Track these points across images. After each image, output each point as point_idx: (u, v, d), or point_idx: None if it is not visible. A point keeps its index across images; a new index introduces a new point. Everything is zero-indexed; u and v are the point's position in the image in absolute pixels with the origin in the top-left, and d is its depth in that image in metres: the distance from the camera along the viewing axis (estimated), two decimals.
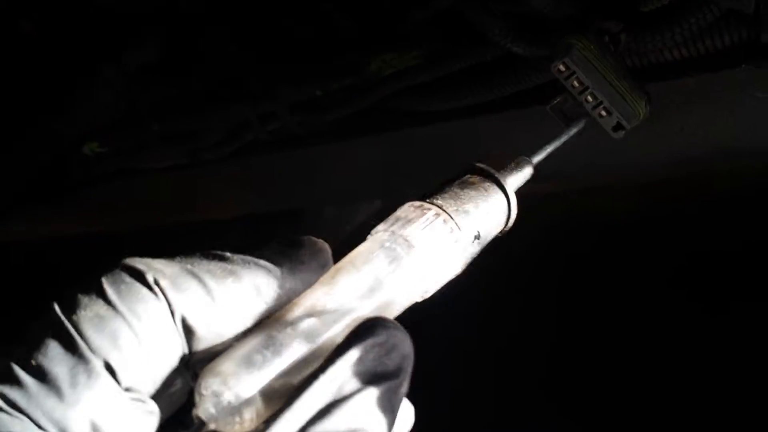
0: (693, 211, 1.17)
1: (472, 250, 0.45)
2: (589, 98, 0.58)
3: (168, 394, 0.37)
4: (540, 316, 1.33)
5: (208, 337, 0.37)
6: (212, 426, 0.36)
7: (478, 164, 0.47)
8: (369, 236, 0.43)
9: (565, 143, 0.57)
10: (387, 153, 0.87)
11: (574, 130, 0.58)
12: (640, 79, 0.62)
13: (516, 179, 0.50)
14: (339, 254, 0.43)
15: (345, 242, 0.43)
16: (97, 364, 0.34)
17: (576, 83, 0.58)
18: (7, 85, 0.97)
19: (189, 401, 0.38)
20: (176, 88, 0.90)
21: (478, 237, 0.45)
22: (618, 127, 0.61)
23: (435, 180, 0.47)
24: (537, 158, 0.52)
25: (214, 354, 0.37)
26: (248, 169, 0.97)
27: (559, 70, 0.58)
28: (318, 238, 0.43)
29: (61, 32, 0.90)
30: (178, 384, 0.38)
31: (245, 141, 0.90)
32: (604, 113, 0.60)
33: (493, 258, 0.49)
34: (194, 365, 0.38)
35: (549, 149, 0.54)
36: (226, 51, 0.86)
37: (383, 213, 0.45)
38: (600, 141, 0.61)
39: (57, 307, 0.36)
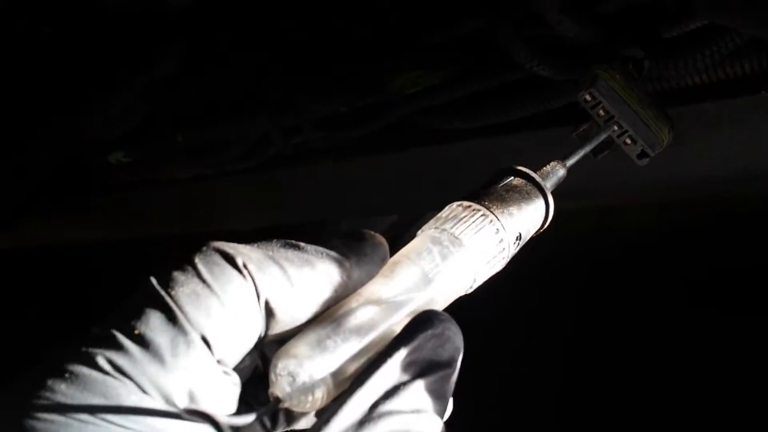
0: (711, 229, 1.18)
1: (514, 249, 0.48)
2: (615, 127, 0.60)
3: (239, 370, 0.40)
4: (558, 327, 1.34)
5: (284, 320, 0.40)
6: (286, 404, 0.39)
7: (519, 168, 0.51)
8: (419, 233, 0.47)
9: (595, 148, 0.59)
10: (408, 169, 0.89)
11: (603, 135, 0.60)
12: (662, 105, 0.63)
13: (552, 182, 0.53)
14: None
15: None
16: (195, 336, 0.37)
17: (602, 112, 0.60)
18: (24, 86, 0.98)
19: (252, 380, 0.42)
20: (198, 99, 0.92)
21: (519, 238, 0.48)
22: (642, 154, 0.62)
23: (451, 197, 0.49)
24: (570, 161, 0.55)
25: (285, 337, 0.41)
26: (271, 181, 0.99)
27: (585, 99, 0.59)
28: None
29: (82, 36, 0.91)
30: (247, 362, 0.41)
31: (269, 155, 0.91)
32: (629, 141, 0.61)
33: (515, 271, 0.50)
34: (265, 346, 0.41)
35: (581, 153, 0.57)
36: (249, 64, 0.87)
37: (401, 227, 0.47)
38: (621, 163, 0.62)
39: (156, 283, 0.38)
